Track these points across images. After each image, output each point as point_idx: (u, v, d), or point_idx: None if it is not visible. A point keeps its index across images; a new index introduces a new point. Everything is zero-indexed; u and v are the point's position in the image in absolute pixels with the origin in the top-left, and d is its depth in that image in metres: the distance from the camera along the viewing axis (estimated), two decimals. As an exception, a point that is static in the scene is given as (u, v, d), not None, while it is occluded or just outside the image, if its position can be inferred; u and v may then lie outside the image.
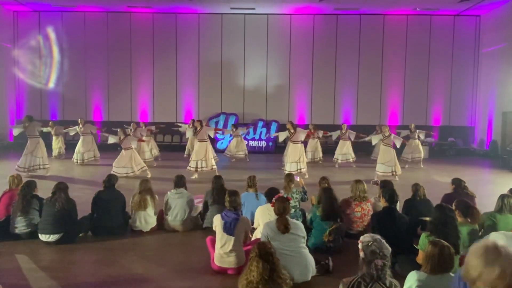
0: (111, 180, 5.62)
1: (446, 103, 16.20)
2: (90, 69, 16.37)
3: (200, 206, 6.04)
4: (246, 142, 14.30)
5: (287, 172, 9.71)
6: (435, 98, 16.21)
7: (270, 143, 15.76)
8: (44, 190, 6.04)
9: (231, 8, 15.40)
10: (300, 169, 9.91)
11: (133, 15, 16.24)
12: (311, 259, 4.02)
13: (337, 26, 16.12)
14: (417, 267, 3.29)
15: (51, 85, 16.38)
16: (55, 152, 13.02)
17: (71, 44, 16.29)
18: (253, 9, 15.45)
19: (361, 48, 16.11)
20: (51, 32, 16.27)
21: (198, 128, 9.96)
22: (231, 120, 15.81)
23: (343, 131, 12.28)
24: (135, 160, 9.75)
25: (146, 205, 5.53)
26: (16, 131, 10.06)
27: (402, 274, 3.57)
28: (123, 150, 9.77)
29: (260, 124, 15.82)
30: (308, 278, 3.94)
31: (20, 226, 5.10)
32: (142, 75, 16.45)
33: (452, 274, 2.93)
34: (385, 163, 9.78)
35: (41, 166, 9.77)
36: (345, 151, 12.11)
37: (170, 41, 16.31)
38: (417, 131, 12.32)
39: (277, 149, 15.58)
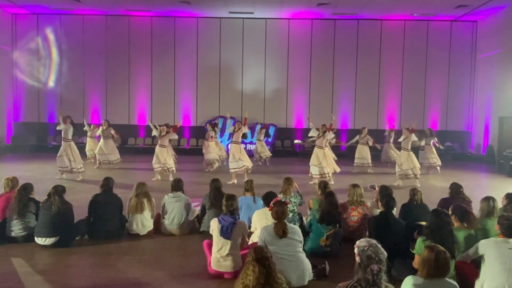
0: (108, 183, 5.61)
1: (443, 107, 16.28)
2: (89, 71, 16.37)
3: (197, 210, 6.04)
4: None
5: (314, 176, 9.62)
6: (432, 103, 16.29)
7: (268, 147, 15.73)
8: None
9: (230, 12, 15.45)
10: (325, 173, 9.65)
11: (131, 18, 16.27)
12: (308, 264, 4.03)
13: (335, 31, 16.19)
14: (414, 271, 3.30)
15: (51, 84, 16.32)
16: (89, 154, 12.53)
17: (69, 46, 16.28)
18: (252, 13, 15.51)
19: (359, 52, 16.19)
20: (49, 35, 16.27)
21: (236, 129, 9.87)
22: (228, 124, 15.79)
23: (362, 136, 12.17)
24: (167, 158, 9.88)
25: (143, 208, 5.52)
26: (59, 127, 9.88)
27: (399, 278, 3.58)
28: (158, 146, 9.87)
29: (258, 127, 15.81)
30: (305, 283, 3.95)
31: (16, 229, 5.08)
32: (140, 78, 16.46)
33: (448, 279, 2.95)
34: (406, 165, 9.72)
35: (74, 170, 9.73)
36: (363, 155, 11.98)
37: (169, 45, 16.34)
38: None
39: (275, 153, 15.60)
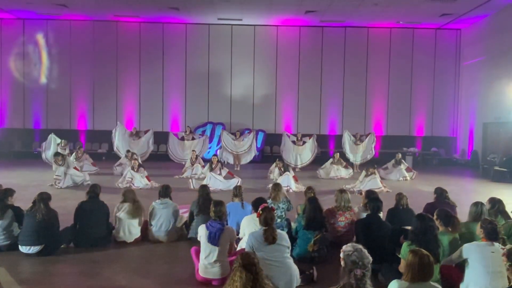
0: (95, 190, 5.55)
1: (428, 113, 16.55)
2: (76, 77, 16.20)
3: (185, 216, 6.01)
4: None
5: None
6: (418, 109, 16.55)
7: (257, 153, 15.73)
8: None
9: (218, 19, 15.51)
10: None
11: (119, 24, 16.20)
12: (295, 269, 4.03)
13: (322, 38, 16.38)
14: (400, 275, 3.33)
15: (37, 89, 16.08)
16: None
17: (56, 52, 16.10)
18: (240, 20, 15.59)
19: (346, 59, 16.40)
20: (36, 40, 16.08)
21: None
22: (218, 130, 15.81)
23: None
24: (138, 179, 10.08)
25: (140, 212, 5.51)
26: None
27: (385, 282, 3.62)
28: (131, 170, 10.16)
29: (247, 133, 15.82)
30: (293, 288, 3.95)
31: None
32: (128, 84, 16.36)
33: (432, 283, 2.99)
34: None
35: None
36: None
37: (157, 51, 16.29)
38: None
39: (264, 158, 15.62)
